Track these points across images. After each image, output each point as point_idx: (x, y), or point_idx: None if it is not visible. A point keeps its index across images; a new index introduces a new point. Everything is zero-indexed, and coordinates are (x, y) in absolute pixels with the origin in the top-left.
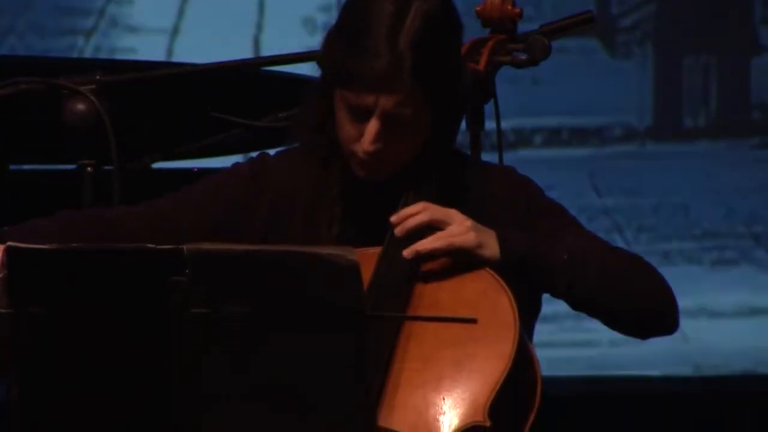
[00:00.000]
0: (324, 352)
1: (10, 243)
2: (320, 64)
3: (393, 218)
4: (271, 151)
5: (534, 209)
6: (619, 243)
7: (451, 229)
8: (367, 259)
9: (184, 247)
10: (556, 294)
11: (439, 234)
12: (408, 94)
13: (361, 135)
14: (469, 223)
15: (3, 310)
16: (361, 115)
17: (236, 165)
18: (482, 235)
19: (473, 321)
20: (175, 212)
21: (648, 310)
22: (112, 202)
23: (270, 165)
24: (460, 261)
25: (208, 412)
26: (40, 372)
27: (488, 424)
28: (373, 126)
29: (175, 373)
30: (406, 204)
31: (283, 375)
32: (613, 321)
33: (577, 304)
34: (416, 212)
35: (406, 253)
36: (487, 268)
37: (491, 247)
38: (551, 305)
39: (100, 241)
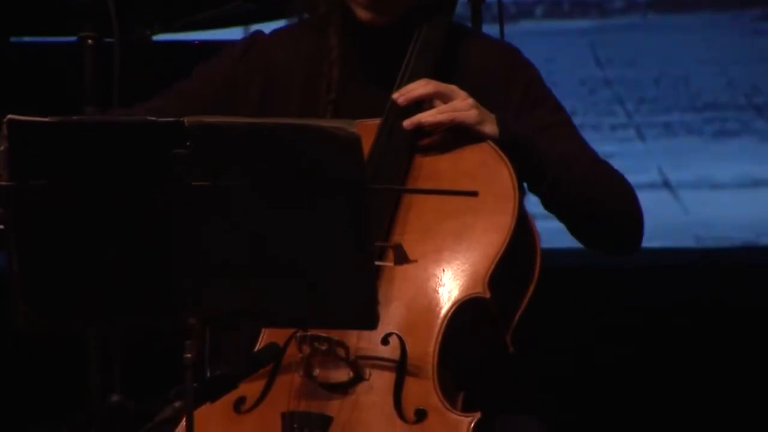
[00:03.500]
0: (324, 222)
1: (10, 116)
2: None
3: (395, 95)
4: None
5: (532, 95)
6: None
7: (455, 104)
8: (367, 130)
9: (185, 119)
10: (536, 187)
11: (442, 107)
12: None
13: None
14: (471, 100)
15: (4, 183)
16: None
17: (227, 46)
18: (484, 113)
19: (474, 194)
20: (167, 107)
21: (615, 230)
22: (112, 75)
23: (262, 41)
24: (460, 135)
25: (209, 283)
26: (41, 245)
27: (488, 295)
28: None
29: (176, 245)
30: (405, 75)
31: (283, 246)
32: (578, 230)
33: (551, 204)
34: (419, 86)
35: (407, 123)
36: (488, 141)
37: (491, 125)
38: None
39: None
